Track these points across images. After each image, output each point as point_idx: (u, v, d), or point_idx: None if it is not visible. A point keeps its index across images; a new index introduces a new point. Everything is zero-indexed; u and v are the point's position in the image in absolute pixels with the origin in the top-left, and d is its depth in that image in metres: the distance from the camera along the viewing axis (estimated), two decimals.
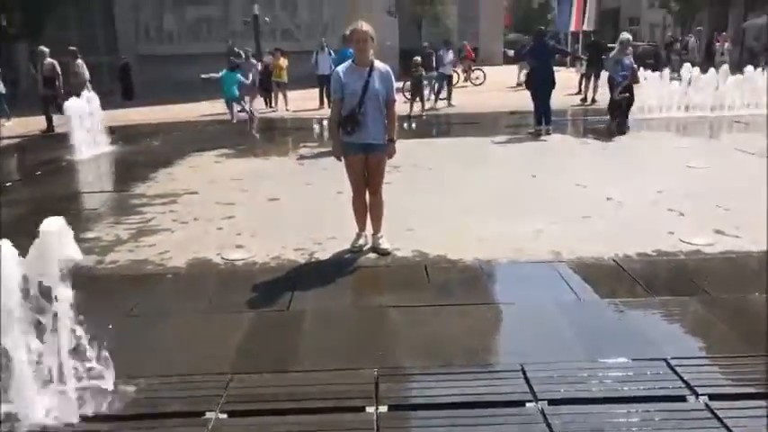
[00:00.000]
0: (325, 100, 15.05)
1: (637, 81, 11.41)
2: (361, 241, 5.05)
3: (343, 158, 4.83)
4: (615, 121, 10.98)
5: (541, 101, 10.81)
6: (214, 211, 6.47)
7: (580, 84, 16.80)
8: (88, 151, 10.15)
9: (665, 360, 3.14)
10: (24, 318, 2.68)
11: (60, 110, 10.89)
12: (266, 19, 24.34)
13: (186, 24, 29.09)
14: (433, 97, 16.28)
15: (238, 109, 12.93)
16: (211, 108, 15.98)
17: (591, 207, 6.11)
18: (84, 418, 2.80)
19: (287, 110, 16.33)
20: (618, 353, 3.26)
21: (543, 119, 10.80)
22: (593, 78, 15.79)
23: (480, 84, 22.17)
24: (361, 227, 5.07)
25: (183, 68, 25.64)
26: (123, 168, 9.61)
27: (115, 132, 11.72)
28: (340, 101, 4.67)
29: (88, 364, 2.91)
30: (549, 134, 10.69)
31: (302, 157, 9.59)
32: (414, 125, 13.09)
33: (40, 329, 2.76)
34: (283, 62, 16.45)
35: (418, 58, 14.60)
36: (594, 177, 7.41)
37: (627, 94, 10.95)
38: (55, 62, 13.43)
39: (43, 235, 2.69)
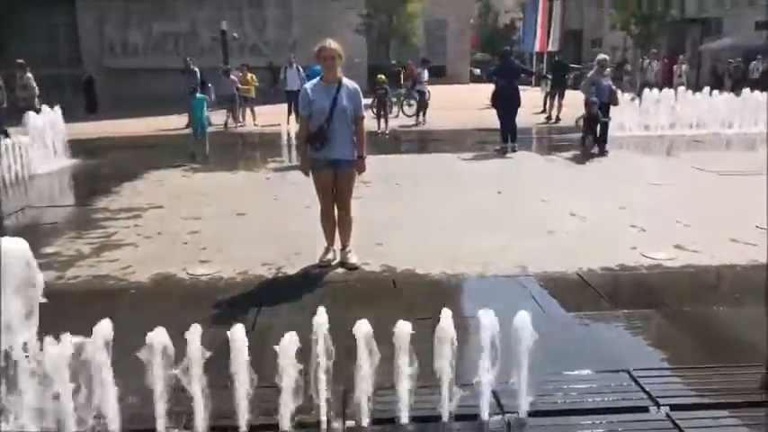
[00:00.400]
0: (293, 115, 15.07)
1: (616, 103, 11.14)
2: (329, 256, 5.04)
3: (311, 174, 4.85)
4: (589, 137, 10.79)
5: (507, 119, 11.00)
6: (179, 225, 6.37)
7: (545, 103, 17.16)
8: (48, 165, 9.89)
9: (627, 372, 3.19)
10: None
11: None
12: (234, 35, 24.32)
13: (153, 39, 28.82)
14: (400, 113, 16.49)
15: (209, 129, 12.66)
16: (179, 122, 15.78)
17: (555, 222, 6.21)
18: None
19: (255, 124, 16.27)
20: (582, 365, 3.30)
21: (509, 136, 10.99)
22: (557, 97, 16.15)
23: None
24: (330, 242, 5.07)
25: (149, 82, 25.37)
26: (85, 182, 9.40)
27: (77, 146, 11.47)
28: (308, 117, 4.72)
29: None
30: (515, 151, 10.88)
31: (270, 172, 9.56)
32: (381, 141, 13.15)
33: None
34: (251, 78, 16.45)
35: (382, 76, 14.81)
36: (558, 193, 7.55)
37: (606, 119, 10.72)
38: None
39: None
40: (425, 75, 16.59)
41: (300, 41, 26.23)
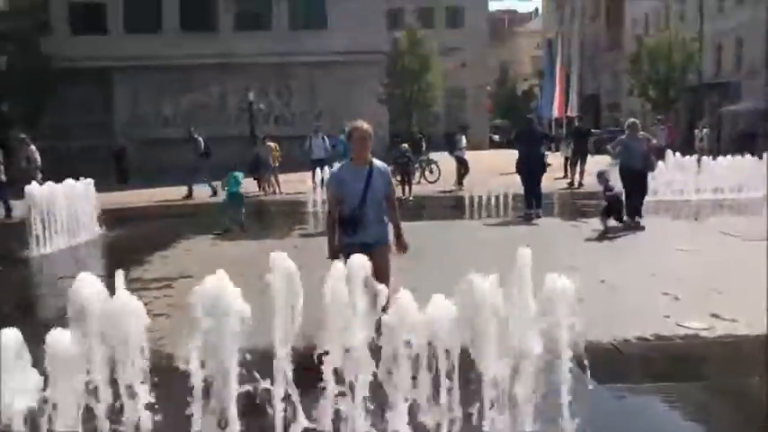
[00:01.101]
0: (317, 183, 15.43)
1: (652, 168, 10.31)
2: None
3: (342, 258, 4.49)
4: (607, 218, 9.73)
5: (531, 185, 11.09)
6: None
7: (565, 168, 17.30)
8: (78, 237, 10.02)
9: None
10: None
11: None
12: (261, 106, 25.20)
13: (183, 109, 29.98)
14: (422, 179, 16.85)
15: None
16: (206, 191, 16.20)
17: (585, 291, 6.15)
18: None
19: (280, 192, 16.63)
20: None
21: (534, 202, 11.05)
22: (578, 163, 16.29)
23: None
24: None
25: (178, 152, 26.21)
26: (116, 252, 9.62)
27: (109, 216, 11.76)
28: (338, 203, 4.58)
29: None
30: (539, 217, 10.91)
31: (299, 237, 9.71)
32: (405, 207, 13.29)
33: None
34: (275, 147, 17.04)
35: (405, 145, 15.14)
36: (587, 260, 7.52)
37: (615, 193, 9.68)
38: None
39: None
40: (464, 141, 16.97)
41: (325, 111, 27.11)
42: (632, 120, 10.68)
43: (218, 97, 29.91)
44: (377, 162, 4.67)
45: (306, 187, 14.27)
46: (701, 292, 5.99)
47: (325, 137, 16.79)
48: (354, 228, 4.52)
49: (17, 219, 10.87)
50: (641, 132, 10.36)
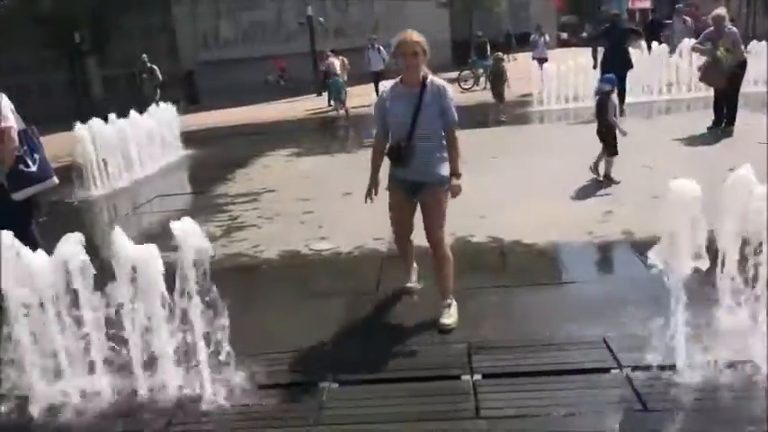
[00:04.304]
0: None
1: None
2: (414, 277, 4.26)
3: (388, 194, 3.91)
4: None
5: (620, 81, 10.68)
6: (294, 207, 6.89)
7: None
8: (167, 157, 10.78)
9: None
10: None
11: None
12: (320, 19, 24.87)
13: (242, 29, 30.03)
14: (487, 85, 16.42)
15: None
16: (278, 111, 16.60)
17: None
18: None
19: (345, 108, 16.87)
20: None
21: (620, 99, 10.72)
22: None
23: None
24: (407, 266, 4.24)
25: (240, 72, 26.61)
26: (202, 171, 10.23)
27: (188, 137, 12.38)
28: (383, 136, 3.85)
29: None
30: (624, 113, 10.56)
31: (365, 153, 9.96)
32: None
33: None
34: (345, 62, 17.09)
35: (500, 54, 13.45)
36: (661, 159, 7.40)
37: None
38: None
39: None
40: (542, 41, 16.78)
41: (383, 21, 26.50)
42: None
43: (276, 13, 29.71)
44: (435, 81, 3.72)
45: (370, 100, 14.33)
46: None
47: (381, 48, 16.69)
48: (399, 161, 3.70)
49: None
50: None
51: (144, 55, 16.30)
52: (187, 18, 29.80)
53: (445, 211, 3.79)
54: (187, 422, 3.03)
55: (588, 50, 12.11)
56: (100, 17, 26.46)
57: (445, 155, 3.73)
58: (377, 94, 16.16)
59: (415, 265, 4.26)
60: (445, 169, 3.72)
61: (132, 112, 10.11)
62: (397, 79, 3.81)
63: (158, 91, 14.97)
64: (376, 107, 3.96)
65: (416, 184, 3.75)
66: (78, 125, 8.67)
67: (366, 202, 3.91)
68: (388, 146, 3.78)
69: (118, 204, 8.23)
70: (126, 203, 8.22)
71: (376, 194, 3.93)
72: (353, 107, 16.29)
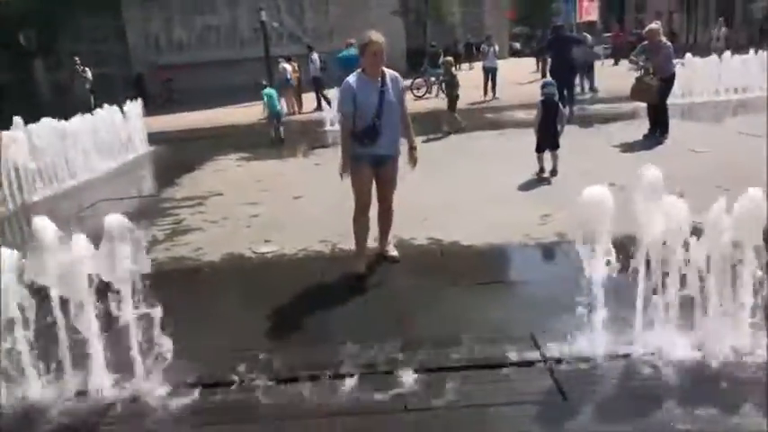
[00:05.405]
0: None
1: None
2: (361, 267, 4.70)
3: (352, 171, 4.54)
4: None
5: (566, 88, 11.08)
6: (241, 210, 6.89)
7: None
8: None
9: None
10: None
11: None
12: (274, 24, 24.79)
13: (195, 33, 29.63)
14: (440, 93, 16.70)
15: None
16: (225, 116, 16.47)
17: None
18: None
19: (299, 112, 16.94)
20: None
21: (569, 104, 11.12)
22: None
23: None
24: (361, 249, 4.77)
25: (194, 76, 26.24)
26: (150, 175, 10.09)
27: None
28: (352, 114, 4.46)
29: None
30: (573, 114, 11.04)
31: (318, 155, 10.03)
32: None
33: None
34: (295, 68, 17.17)
35: (450, 59, 13.81)
36: (599, 163, 7.71)
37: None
38: None
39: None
40: (494, 50, 17.10)
41: (338, 27, 26.60)
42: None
43: (230, 18, 29.45)
44: (388, 71, 4.54)
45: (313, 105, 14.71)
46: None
47: (315, 56, 17.22)
48: (370, 139, 4.46)
49: None
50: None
51: (76, 57, 15.88)
52: (138, 21, 29.22)
53: (397, 176, 4.73)
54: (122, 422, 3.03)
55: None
56: (49, 18, 25.69)
57: (400, 133, 4.63)
58: (317, 100, 16.45)
59: (375, 244, 4.90)
60: (400, 144, 4.65)
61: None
62: (359, 71, 4.52)
63: (91, 94, 14.56)
64: (343, 95, 4.54)
65: (381, 158, 4.56)
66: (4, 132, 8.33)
67: (341, 178, 4.56)
68: (361, 127, 4.44)
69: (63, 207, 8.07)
70: (72, 206, 8.05)
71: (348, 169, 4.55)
72: (305, 112, 16.44)
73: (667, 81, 9.15)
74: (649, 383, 3.02)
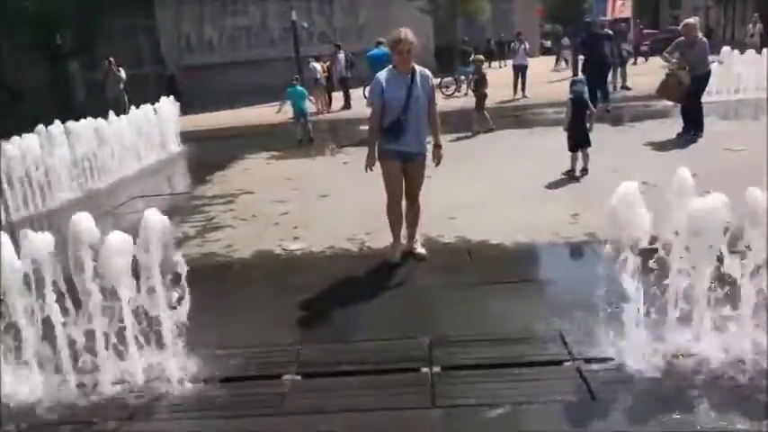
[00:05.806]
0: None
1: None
2: (398, 255, 4.88)
3: (381, 166, 4.71)
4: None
5: (598, 84, 11.16)
6: (270, 208, 6.97)
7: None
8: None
9: None
10: None
11: None
12: (304, 24, 24.95)
13: (226, 34, 30.00)
14: (469, 91, 16.60)
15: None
16: (255, 116, 16.65)
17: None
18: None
19: (328, 111, 17.06)
20: None
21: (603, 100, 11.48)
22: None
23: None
24: (397, 238, 4.93)
25: (225, 77, 26.60)
26: (182, 173, 10.26)
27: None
28: (380, 108, 4.59)
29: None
30: (609, 112, 11.34)
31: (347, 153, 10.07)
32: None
33: None
34: (323, 68, 17.29)
35: (481, 56, 13.87)
36: (630, 164, 7.57)
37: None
38: None
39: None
40: (521, 48, 16.81)
41: (368, 26, 26.67)
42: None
43: (260, 18, 29.74)
44: (419, 68, 4.63)
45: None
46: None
47: (342, 55, 17.41)
48: (397, 134, 4.57)
49: None
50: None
51: (111, 57, 16.18)
52: (170, 21, 29.70)
53: (424, 173, 4.84)
54: (151, 414, 3.11)
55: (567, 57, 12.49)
56: (84, 19, 26.28)
57: (428, 129, 4.70)
58: (345, 99, 16.72)
59: (403, 242, 4.93)
60: (426, 143, 4.73)
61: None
62: (390, 67, 4.65)
63: (125, 93, 14.83)
64: (372, 89, 4.69)
65: (409, 154, 4.66)
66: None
67: (366, 171, 4.69)
68: (388, 121, 4.55)
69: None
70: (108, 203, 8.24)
71: (374, 164, 4.68)
72: (333, 111, 16.54)
73: (702, 79, 8.94)
74: (679, 385, 2.97)
